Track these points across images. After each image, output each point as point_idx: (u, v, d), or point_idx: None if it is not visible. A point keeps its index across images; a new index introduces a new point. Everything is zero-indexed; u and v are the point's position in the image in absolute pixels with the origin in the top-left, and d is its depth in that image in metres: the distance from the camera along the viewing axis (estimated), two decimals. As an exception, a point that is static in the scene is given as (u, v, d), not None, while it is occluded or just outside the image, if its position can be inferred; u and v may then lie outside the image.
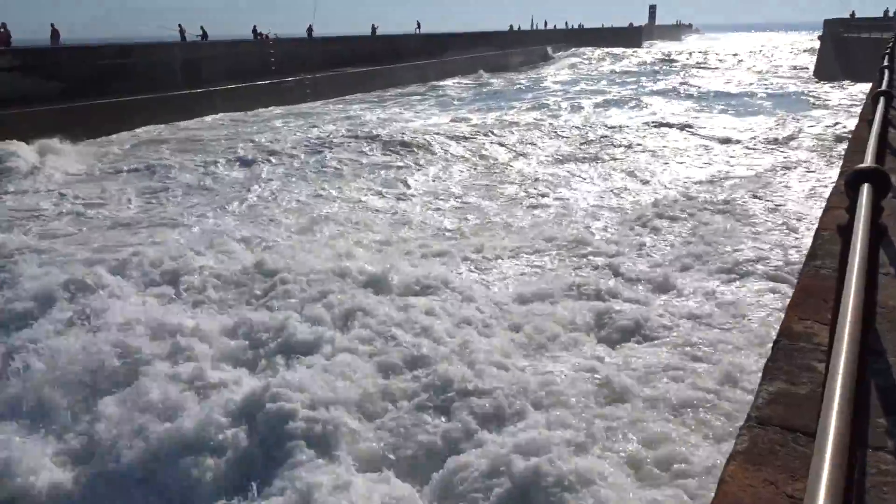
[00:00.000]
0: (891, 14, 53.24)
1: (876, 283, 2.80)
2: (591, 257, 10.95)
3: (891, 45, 15.69)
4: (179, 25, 36.07)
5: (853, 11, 53.97)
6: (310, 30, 45.91)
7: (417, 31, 62.43)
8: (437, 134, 22.93)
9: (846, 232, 1.73)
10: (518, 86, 48.33)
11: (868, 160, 2.62)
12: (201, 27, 40.14)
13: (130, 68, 29.45)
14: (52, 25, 33.87)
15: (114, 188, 17.53)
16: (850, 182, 1.86)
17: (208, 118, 31.05)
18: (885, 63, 8.62)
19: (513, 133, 23.87)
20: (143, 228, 13.72)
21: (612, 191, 16.47)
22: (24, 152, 20.75)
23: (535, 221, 13.84)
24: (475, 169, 19.44)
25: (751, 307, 8.65)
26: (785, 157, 19.39)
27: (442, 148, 21.15)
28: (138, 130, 27.64)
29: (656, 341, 7.87)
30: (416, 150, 20.79)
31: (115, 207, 15.64)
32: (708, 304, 8.72)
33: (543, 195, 16.03)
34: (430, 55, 53.62)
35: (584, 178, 17.89)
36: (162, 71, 30.77)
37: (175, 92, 30.62)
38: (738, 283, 9.53)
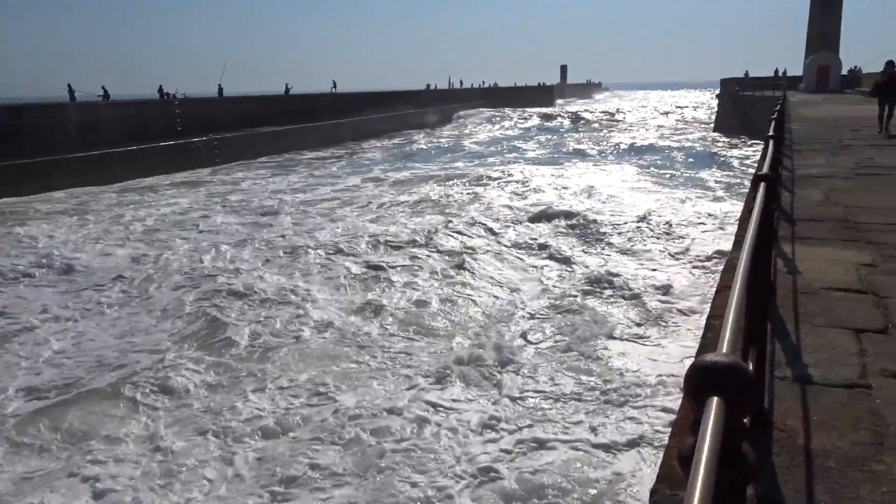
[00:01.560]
0: (780, 73, 56.90)
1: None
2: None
3: (778, 107, 16.26)
4: (69, 85, 34.45)
5: (746, 71, 57.40)
6: (220, 89, 44.97)
7: (333, 91, 62.32)
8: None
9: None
10: (435, 146, 48.46)
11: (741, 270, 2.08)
12: (103, 87, 38.56)
13: (18, 131, 27.69)
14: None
15: None
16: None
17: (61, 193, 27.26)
18: (771, 131, 8.61)
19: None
20: None
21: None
22: None
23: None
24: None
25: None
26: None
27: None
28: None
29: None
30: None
31: None
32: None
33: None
34: (345, 114, 53.37)
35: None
36: (56, 133, 29.08)
37: (66, 155, 28.84)
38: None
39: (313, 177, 31.35)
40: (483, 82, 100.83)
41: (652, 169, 30.86)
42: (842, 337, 3.57)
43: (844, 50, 52.14)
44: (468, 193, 23.89)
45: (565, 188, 24.22)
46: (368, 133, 53.76)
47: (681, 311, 10.93)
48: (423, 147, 46.57)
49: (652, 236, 16.61)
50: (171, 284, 13.60)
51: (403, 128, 60.54)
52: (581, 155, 38.88)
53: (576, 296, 12.02)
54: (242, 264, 15.06)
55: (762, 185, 3.21)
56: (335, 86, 63.95)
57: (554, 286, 12.74)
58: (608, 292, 12.16)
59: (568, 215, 18.50)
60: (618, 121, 66.61)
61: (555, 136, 52.21)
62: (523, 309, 11.45)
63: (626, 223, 17.83)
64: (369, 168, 34.69)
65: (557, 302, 11.73)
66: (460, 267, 13.92)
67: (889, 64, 15.95)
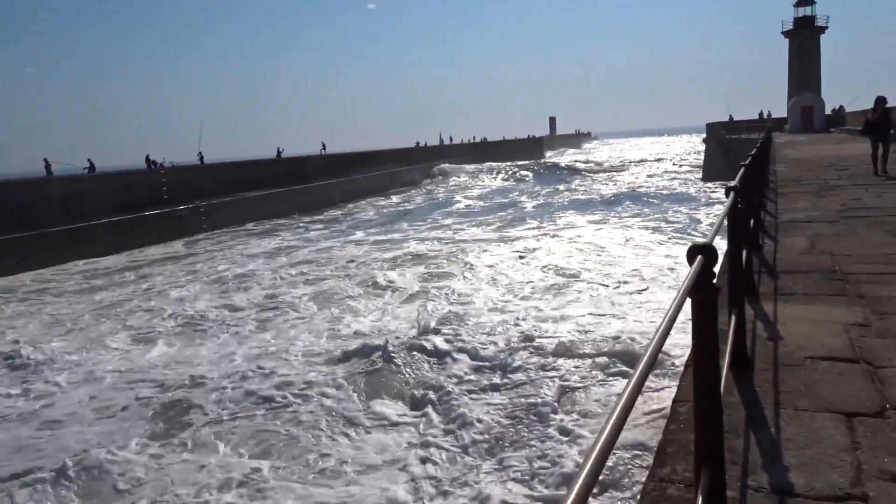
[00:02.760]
0: (765, 115, 57.38)
1: None
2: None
3: (757, 146, 15.93)
4: (45, 160, 34.40)
5: (731, 115, 57.90)
6: (200, 157, 45.17)
7: (323, 152, 62.66)
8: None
9: None
10: (424, 204, 48.34)
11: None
12: (88, 160, 38.50)
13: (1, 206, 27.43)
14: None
15: None
16: None
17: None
18: (744, 162, 8.20)
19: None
20: None
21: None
22: None
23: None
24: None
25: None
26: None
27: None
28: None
29: None
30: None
31: None
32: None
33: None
34: (335, 174, 53.46)
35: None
36: (38, 208, 28.82)
37: (48, 229, 28.50)
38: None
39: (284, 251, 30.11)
40: (473, 137, 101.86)
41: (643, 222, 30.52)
42: (830, 425, 2.97)
43: (826, 90, 52.74)
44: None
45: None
46: (357, 193, 53.71)
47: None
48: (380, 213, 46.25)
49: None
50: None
51: (393, 186, 60.72)
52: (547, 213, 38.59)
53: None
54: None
55: (730, 196, 2.66)
56: (324, 147, 64.36)
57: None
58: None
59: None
60: (604, 170, 66.80)
61: (525, 194, 51.17)
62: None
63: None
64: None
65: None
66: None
67: (879, 100, 14.97)
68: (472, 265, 20.97)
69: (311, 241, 30.74)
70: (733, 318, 3.63)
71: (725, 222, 3.50)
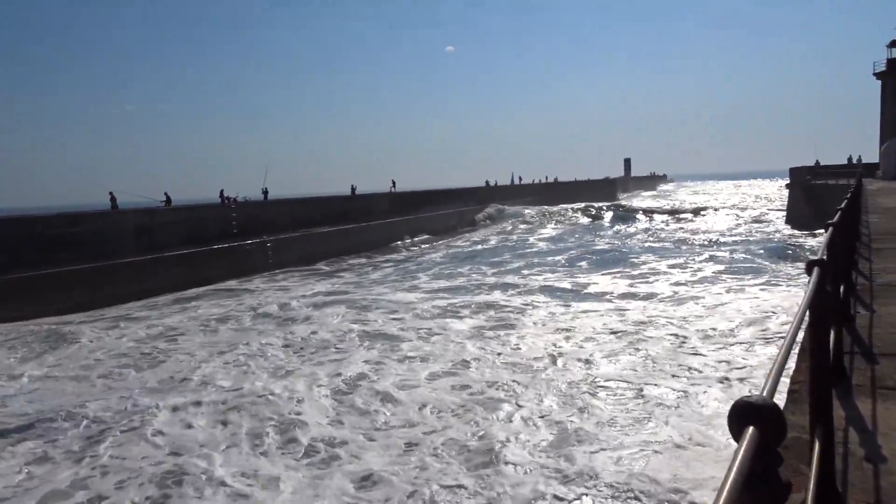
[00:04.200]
0: (854, 161, 54.14)
1: None
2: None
3: (849, 194, 14.47)
4: (111, 193, 35.56)
5: (817, 160, 54.95)
6: (265, 192, 46.09)
7: (392, 190, 63.09)
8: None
9: None
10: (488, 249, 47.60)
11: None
12: (165, 193, 39.79)
13: (77, 237, 28.40)
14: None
15: None
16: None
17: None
18: (835, 218, 7.10)
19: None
20: None
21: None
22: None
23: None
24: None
25: None
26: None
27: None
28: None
29: None
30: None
31: None
32: None
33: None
34: (403, 212, 53.54)
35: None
36: (113, 238, 29.74)
37: (121, 259, 29.28)
38: None
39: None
40: (546, 177, 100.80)
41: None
42: None
43: (923, 135, 49.43)
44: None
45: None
46: (424, 230, 53.44)
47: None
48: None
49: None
50: None
51: (462, 225, 60.31)
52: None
53: None
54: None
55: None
56: (394, 185, 64.85)
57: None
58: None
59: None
60: (681, 218, 64.12)
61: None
62: None
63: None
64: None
65: None
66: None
67: None
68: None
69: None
70: (817, 439, 2.67)
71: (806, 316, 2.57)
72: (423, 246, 47.45)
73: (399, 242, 48.33)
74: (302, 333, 19.39)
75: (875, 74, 50.57)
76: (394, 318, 21.04)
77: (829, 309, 4.63)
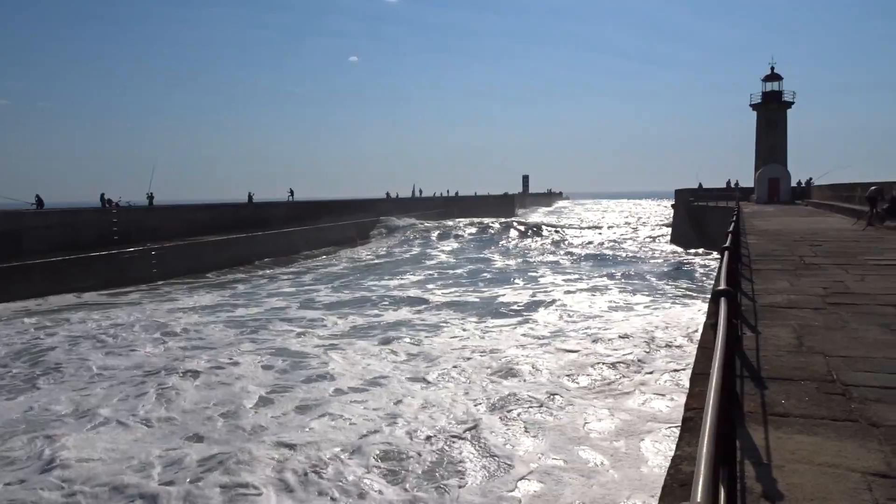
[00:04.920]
0: (732, 185, 57.82)
1: None
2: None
3: (734, 219, 15.20)
4: None
5: (700, 183, 58.24)
6: (150, 198, 43.67)
7: (290, 199, 61.46)
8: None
9: None
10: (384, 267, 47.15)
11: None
12: (36, 195, 36.80)
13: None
14: None
15: None
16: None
17: None
18: (727, 243, 7.24)
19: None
20: None
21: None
22: None
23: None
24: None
25: None
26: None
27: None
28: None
29: None
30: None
31: None
32: None
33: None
34: (301, 222, 52.18)
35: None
36: None
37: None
38: None
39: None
40: (448, 191, 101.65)
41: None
42: None
43: (791, 163, 53.53)
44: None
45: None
46: (321, 242, 52.34)
47: None
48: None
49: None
50: None
51: (361, 237, 59.48)
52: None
53: None
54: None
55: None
56: (292, 193, 63.23)
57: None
58: None
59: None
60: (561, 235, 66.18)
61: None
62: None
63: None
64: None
65: None
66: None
67: None
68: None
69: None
70: (721, 483, 2.46)
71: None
72: (322, 257, 46.34)
73: (297, 254, 46.98)
74: (176, 354, 18.11)
75: (751, 106, 54.41)
76: (293, 337, 20.17)
77: (730, 341, 4.58)
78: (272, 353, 17.64)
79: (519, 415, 12.31)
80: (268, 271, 38.29)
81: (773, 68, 53.52)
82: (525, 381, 14.55)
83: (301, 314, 24.05)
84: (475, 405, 12.94)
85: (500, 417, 12.18)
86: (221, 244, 40.70)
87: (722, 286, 2.80)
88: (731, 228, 6.83)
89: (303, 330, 20.90)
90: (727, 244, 4.79)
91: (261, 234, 45.48)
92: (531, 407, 12.71)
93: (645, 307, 23.69)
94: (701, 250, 41.85)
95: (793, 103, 53.33)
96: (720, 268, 3.81)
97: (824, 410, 4.17)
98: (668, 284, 29.56)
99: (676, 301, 24.89)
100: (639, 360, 15.79)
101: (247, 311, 24.70)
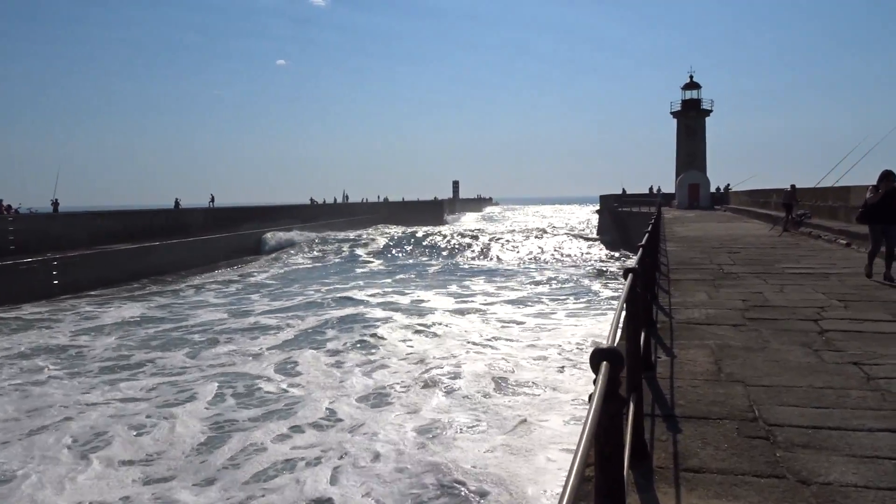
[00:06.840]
0: (655, 190, 59.11)
1: None
2: None
3: (653, 219, 14.90)
4: None
5: (623, 188, 59.28)
6: (55, 204, 40.94)
7: (211, 205, 59.14)
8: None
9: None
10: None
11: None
12: (-80, 201, 33.73)
13: None
14: None
15: None
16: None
17: None
18: (643, 242, 6.72)
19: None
20: None
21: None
22: None
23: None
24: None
25: None
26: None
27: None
28: None
29: None
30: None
31: None
32: None
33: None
34: (221, 229, 50.05)
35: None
36: None
37: None
38: None
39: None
40: (378, 196, 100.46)
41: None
42: None
43: (710, 169, 55.13)
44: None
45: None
46: (245, 249, 50.42)
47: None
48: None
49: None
50: None
51: (284, 245, 57.63)
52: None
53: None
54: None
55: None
56: (213, 199, 60.94)
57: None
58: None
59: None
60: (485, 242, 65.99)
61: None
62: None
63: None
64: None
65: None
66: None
67: (886, 175, 10.14)
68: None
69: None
70: None
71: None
72: (246, 267, 44.44)
73: (217, 262, 44.91)
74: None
75: (672, 113, 55.76)
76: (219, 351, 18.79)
77: (632, 342, 3.88)
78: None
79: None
80: (192, 279, 36.28)
81: (692, 77, 55.05)
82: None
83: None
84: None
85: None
86: (136, 252, 38.39)
87: (608, 343, 2.09)
88: (643, 241, 6.22)
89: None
90: (634, 264, 4.11)
91: (178, 241, 43.22)
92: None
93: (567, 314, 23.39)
94: (626, 253, 42.31)
95: (711, 111, 54.95)
96: (618, 310, 3.09)
97: (745, 463, 3.52)
98: (594, 285, 29.47)
99: (604, 305, 24.70)
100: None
101: (165, 325, 23.02)
